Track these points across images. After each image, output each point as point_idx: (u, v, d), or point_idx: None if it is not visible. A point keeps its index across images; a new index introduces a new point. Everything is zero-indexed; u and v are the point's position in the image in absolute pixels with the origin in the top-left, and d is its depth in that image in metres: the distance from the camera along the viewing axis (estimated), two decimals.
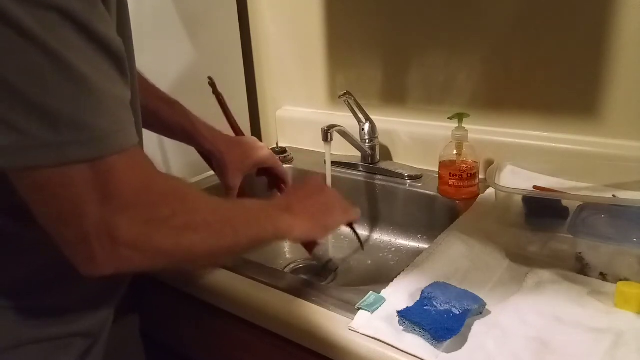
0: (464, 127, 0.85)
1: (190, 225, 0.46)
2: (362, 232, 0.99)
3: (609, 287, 0.57)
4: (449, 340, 0.50)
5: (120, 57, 0.43)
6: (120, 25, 0.53)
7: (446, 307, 0.53)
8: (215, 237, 0.48)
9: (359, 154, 1.01)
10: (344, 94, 0.93)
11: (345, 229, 0.78)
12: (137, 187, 0.42)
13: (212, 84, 0.86)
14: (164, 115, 0.75)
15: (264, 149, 0.81)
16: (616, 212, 0.63)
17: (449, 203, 0.87)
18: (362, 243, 0.84)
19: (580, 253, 0.62)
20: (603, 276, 0.60)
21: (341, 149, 1.02)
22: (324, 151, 0.88)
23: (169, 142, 0.85)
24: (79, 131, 0.39)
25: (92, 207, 0.40)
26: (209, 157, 0.78)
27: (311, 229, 0.60)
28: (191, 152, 0.80)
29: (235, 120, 0.88)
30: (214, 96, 0.87)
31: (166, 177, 0.48)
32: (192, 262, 0.58)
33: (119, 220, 0.41)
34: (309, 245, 0.82)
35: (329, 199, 0.65)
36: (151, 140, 0.93)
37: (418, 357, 0.49)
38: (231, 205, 0.54)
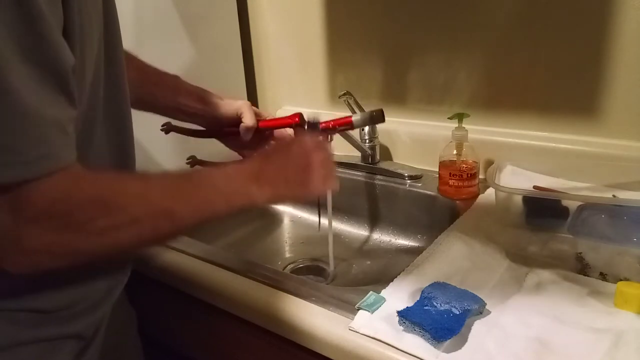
0: (464, 127, 0.85)
1: (114, 226, 0.46)
2: (362, 232, 1.00)
3: (609, 287, 0.57)
4: (449, 340, 0.50)
5: (64, 77, 0.43)
6: (109, 30, 0.53)
7: (446, 307, 0.53)
8: (147, 231, 0.49)
9: (359, 154, 1.01)
10: (344, 94, 0.93)
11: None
12: (51, 201, 0.43)
13: (192, 162, 0.83)
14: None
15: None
16: (616, 212, 0.63)
17: (449, 203, 0.87)
18: (319, 223, 0.81)
19: (580, 253, 0.62)
20: (603, 276, 0.60)
21: (341, 149, 1.02)
22: None
23: (167, 142, 0.85)
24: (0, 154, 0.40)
25: (5, 219, 0.41)
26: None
27: (278, 197, 0.59)
28: (190, 152, 0.80)
29: None
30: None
31: (94, 183, 0.47)
32: (122, 254, 0.60)
33: (28, 230, 0.43)
34: None
35: (309, 167, 0.60)
36: (151, 142, 0.93)
37: (418, 357, 0.49)
38: (172, 190, 0.51)
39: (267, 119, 0.81)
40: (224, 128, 0.78)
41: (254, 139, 0.78)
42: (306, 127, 0.76)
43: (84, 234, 0.45)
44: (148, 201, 0.49)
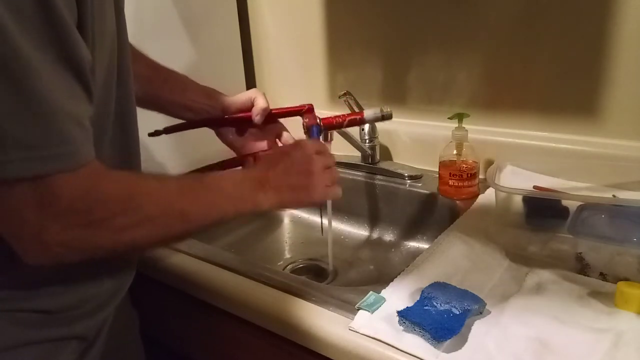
0: (464, 127, 0.85)
1: (131, 224, 0.48)
2: (362, 232, 1.00)
3: (609, 287, 0.57)
4: (449, 340, 0.50)
5: (82, 73, 0.44)
6: (119, 29, 0.54)
7: (446, 307, 0.53)
8: (160, 230, 0.50)
9: (359, 154, 1.01)
10: (344, 94, 0.93)
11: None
12: (74, 197, 0.44)
13: None
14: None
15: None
16: (616, 212, 0.63)
17: (449, 203, 0.87)
18: (322, 228, 0.83)
19: (580, 253, 0.62)
20: (603, 276, 0.60)
21: (341, 149, 1.02)
22: None
23: (167, 142, 0.85)
24: (24, 151, 0.40)
25: (29, 215, 0.42)
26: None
27: (282, 204, 0.60)
28: (189, 151, 0.80)
29: None
30: None
31: (114, 182, 0.48)
32: (139, 252, 0.63)
33: (52, 226, 0.44)
34: None
35: (312, 174, 0.61)
36: (152, 141, 0.93)
37: (418, 357, 0.49)
38: (186, 192, 0.53)
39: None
40: (230, 115, 0.78)
41: (258, 132, 0.79)
42: (306, 130, 0.77)
43: (102, 231, 0.46)
44: (163, 202, 0.51)
